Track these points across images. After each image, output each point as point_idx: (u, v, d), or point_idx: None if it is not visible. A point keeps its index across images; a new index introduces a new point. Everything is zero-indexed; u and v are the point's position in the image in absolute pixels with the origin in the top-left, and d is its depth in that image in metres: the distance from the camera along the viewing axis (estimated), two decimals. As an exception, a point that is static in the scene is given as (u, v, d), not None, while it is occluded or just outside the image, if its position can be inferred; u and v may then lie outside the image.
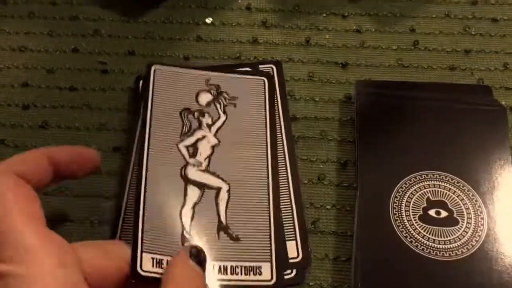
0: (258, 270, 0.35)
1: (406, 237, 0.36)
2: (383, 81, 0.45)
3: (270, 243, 0.36)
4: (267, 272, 0.35)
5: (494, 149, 0.39)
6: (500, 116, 0.41)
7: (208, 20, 0.49)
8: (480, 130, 0.40)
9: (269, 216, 0.37)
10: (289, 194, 0.39)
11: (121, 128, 0.43)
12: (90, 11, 0.49)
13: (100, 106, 0.44)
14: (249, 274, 0.35)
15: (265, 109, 0.42)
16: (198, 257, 0.33)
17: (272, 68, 0.45)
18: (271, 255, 0.36)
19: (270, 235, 0.36)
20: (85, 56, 0.46)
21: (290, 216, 0.38)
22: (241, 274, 0.35)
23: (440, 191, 0.38)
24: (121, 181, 0.40)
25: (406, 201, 0.37)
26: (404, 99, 0.42)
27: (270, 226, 0.37)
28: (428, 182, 0.38)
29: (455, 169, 0.38)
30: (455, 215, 0.37)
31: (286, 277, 0.36)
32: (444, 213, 0.37)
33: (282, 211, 0.38)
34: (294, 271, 0.36)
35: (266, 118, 0.41)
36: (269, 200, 0.38)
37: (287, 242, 0.37)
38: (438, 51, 0.47)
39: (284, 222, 0.37)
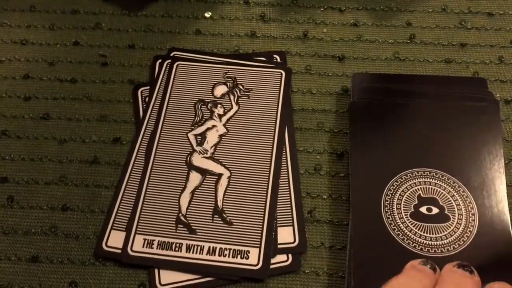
0: (245, 254, 0.36)
1: (398, 234, 0.36)
2: (380, 74, 0.45)
3: (262, 231, 0.37)
4: (254, 257, 0.36)
5: (485, 145, 0.39)
6: (493, 112, 0.41)
7: (207, 14, 0.49)
8: (473, 127, 0.40)
9: (265, 205, 0.38)
10: (288, 181, 0.40)
11: (121, 120, 0.43)
12: (90, 5, 0.49)
13: (100, 98, 0.44)
14: (237, 257, 0.36)
15: (279, 102, 0.43)
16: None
17: (277, 59, 0.46)
18: (260, 242, 0.37)
19: (263, 223, 0.37)
20: (86, 49, 0.47)
21: (288, 203, 0.39)
22: (229, 256, 0.36)
23: (431, 188, 0.38)
24: (121, 171, 0.40)
25: (398, 199, 0.37)
26: (400, 93, 0.42)
27: (264, 215, 0.38)
28: (419, 180, 0.38)
29: (446, 166, 0.39)
30: (446, 212, 0.37)
31: (281, 264, 0.36)
32: (435, 210, 0.37)
33: (281, 198, 0.39)
34: (290, 259, 0.37)
35: (278, 111, 0.42)
36: (267, 191, 0.39)
37: (284, 228, 0.38)
38: (434, 45, 0.47)
39: (282, 209, 0.38)
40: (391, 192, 0.38)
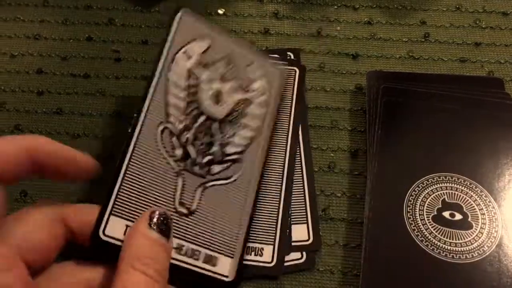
0: (260, 252, 0.36)
1: (417, 235, 0.36)
2: (395, 72, 0.45)
3: (276, 228, 0.37)
4: (268, 254, 0.36)
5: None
6: None
7: (221, 11, 0.49)
8: (500, 139, 0.40)
9: (279, 203, 0.38)
10: (302, 179, 0.39)
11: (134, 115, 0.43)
12: (103, 1, 0.49)
13: (113, 93, 0.44)
14: (251, 254, 0.36)
15: (292, 99, 0.42)
16: (161, 225, 0.28)
17: (290, 56, 0.46)
18: (274, 239, 0.36)
19: (277, 221, 0.37)
20: (99, 44, 0.47)
21: (303, 201, 0.38)
22: None
23: (457, 194, 0.37)
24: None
25: (422, 201, 0.37)
26: (424, 95, 0.42)
27: (278, 212, 0.37)
28: (445, 184, 0.38)
29: (474, 174, 0.38)
30: (469, 219, 0.37)
31: (295, 262, 0.36)
32: (458, 216, 0.37)
33: (295, 196, 0.39)
34: (304, 257, 0.36)
35: (291, 108, 0.42)
36: (281, 188, 0.38)
37: (299, 225, 0.37)
38: (449, 44, 0.47)
39: (296, 206, 0.38)
40: (416, 193, 0.37)
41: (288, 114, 0.42)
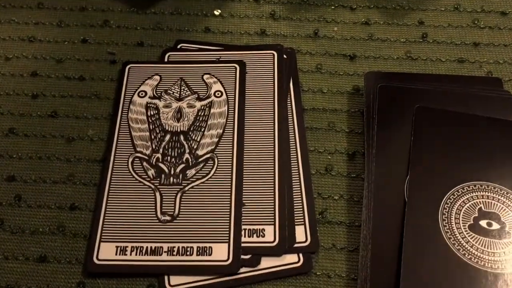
0: (261, 232, 0.36)
1: (454, 244, 0.35)
2: (393, 73, 0.44)
3: (274, 208, 0.37)
4: (270, 234, 0.36)
5: None
6: None
7: (217, 12, 0.49)
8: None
9: (274, 183, 0.38)
10: (299, 181, 0.39)
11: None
12: (99, 2, 0.49)
13: (109, 96, 0.44)
14: (253, 236, 0.36)
15: (274, 82, 0.43)
16: None
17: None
18: (274, 219, 0.37)
19: (274, 200, 0.38)
20: (94, 46, 0.47)
21: (300, 202, 0.38)
22: (245, 236, 0.36)
23: (494, 203, 0.37)
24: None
25: (457, 209, 0.36)
26: (418, 94, 0.41)
27: (274, 192, 0.38)
28: (481, 193, 0.37)
29: (507, 181, 0.37)
30: (507, 229, 0.36)
31: (293, 265, 0.36)
32: (496, 225, 0.36)
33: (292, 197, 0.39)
34: (302, 260, 0.36)
35: (274, 91, 0.43)
36: (274, 168, 0.39)
37: (296, 227, 0.37)
38: (447, 44, 0.47)
39: (294, 208, 0.38)
40: (451, 201, 0.37)
41: (272, 97, 0.42)
